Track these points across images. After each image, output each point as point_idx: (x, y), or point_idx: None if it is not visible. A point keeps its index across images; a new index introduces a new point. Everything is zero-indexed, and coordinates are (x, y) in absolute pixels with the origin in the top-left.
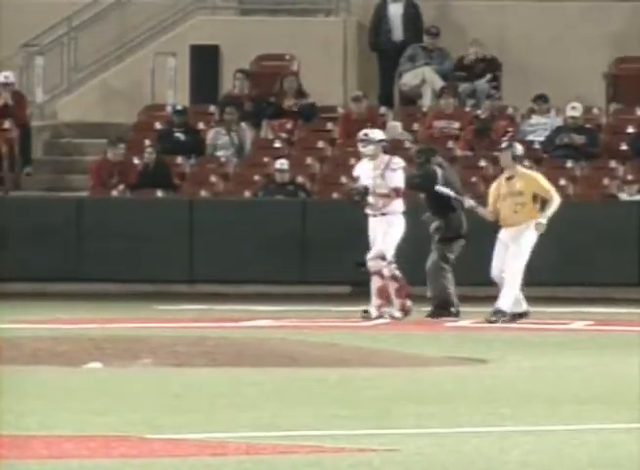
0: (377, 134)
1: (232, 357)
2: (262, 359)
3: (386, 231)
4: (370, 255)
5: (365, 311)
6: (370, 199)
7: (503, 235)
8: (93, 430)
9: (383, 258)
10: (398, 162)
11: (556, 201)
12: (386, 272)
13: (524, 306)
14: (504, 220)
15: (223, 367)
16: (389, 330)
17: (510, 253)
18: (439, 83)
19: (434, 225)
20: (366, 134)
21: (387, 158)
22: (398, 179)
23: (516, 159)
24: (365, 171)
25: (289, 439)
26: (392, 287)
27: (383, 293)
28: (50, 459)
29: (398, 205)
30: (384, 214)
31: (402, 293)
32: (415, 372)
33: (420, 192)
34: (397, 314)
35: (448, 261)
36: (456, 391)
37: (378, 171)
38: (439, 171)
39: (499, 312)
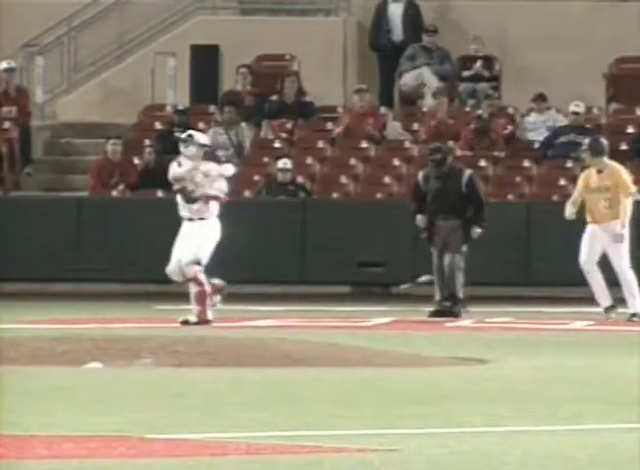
0: (201, 138)
1: (232, 357)
2: (262, 359)
3: (205, 236)
4: (185, 261)
5: (185, 322)
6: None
7: (595, 230)
8: (93, 430)
9: (199, 263)
10: (230, 168)
11: (629, 203)
12: (201, 278)
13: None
14: (592, 215)
15: (223, 367)
16: (390, 330)
17: (611, 257)
18: (436, 84)
19: (456, 224)
20: (190, 135)
21: (211, 164)
22: (218, 186)
23: (595, 153)
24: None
25: (289, 439)
26: (192, 291)
27: (201, 298)
28: (50, 459)
29: (215, 209)
30: (203, 219)
31: (203, 299)
32: (415, 372)
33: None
34: (193, 319)
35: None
36: (456, 391)
37: (209, 179)
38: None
39: (635, 315)
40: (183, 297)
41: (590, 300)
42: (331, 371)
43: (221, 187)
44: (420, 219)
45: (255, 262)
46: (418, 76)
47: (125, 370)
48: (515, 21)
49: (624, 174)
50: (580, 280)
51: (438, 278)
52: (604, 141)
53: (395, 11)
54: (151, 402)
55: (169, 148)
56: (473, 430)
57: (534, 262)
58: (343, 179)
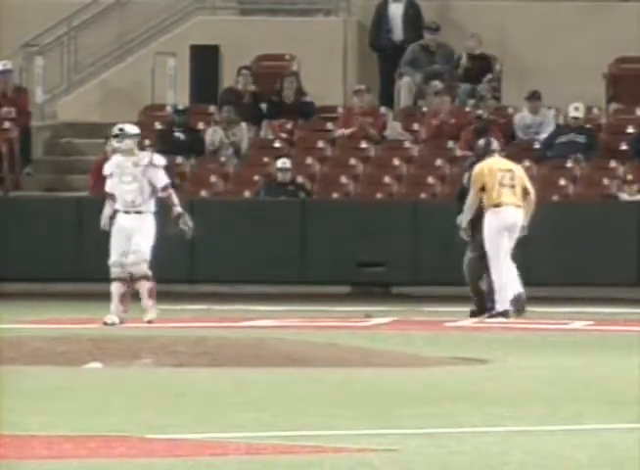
0: (132, 129)
1: (232, 357)
2: (262, 359)
3: (146, 231)
4: (131, 259)
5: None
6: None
7: None
8: (93, 430)
9: (146, 261)
10: (160, 158)
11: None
12: (149, 273)
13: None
14: None
15: (223, 367)
16: (390, 330)
17: None
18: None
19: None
20: (121, 129)
21: (146, 154)
22: (164, 176)
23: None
24: (120, 168)
25: (289, 439)
26: (145, 288)
27: (153, 293)
28: (50, 459)
29: (153, 203)
30: (140, 212)
31: (154, 293)
32: (415, 372)
33: None
34: (154, 315)
35: None
36: (456, 391)
37: (139, 168)
38: None
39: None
40: (183, 297)
41: (590, 300)
42: (331, 371)
43: (163, 177)
44: (464, 229)
45: (255, 262)
46: (403, 85)
47: (125, 370)
48: (515, 21)
49: (476, 174)
50: (580, 280)
51: (469, 274)
52: (492, 141)
53: (396, 11)
54: (151, 402)
55: (169, 148)
56: (473, 430)
57: (534, 262)
58: (343, 179)
